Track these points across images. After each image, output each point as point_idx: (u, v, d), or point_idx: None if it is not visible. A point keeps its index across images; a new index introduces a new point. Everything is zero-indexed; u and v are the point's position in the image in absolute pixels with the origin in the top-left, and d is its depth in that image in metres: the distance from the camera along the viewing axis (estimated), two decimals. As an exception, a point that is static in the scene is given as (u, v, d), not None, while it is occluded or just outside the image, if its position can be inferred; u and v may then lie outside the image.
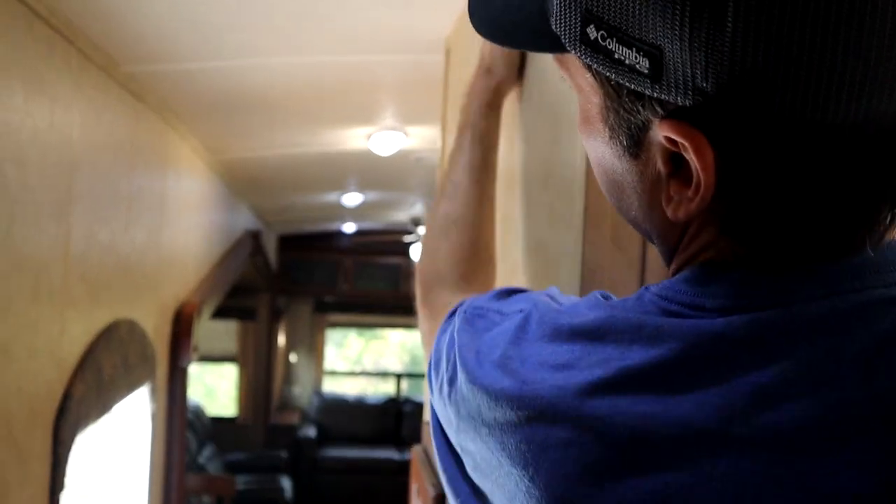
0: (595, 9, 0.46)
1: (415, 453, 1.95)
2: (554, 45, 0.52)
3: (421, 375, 10.26)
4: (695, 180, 0.47)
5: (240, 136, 3.62)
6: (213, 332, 7.09)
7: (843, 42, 0.40)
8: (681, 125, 0.45)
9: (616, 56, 0.46)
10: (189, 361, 3.34)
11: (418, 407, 8.22)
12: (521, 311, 0.61)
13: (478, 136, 1.06)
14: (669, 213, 0.50)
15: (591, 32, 0.47)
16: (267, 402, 7.79)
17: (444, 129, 2.25)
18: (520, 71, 1.23)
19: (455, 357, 0.63)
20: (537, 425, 0.50)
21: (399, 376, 9.55)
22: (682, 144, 0.46)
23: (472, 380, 0.58)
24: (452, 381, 0.62)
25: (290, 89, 2.78)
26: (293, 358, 8.87)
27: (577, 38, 0.49)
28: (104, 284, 2.40)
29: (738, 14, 0.40)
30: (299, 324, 8.79)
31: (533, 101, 1.23)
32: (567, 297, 0.66)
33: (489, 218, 1.03)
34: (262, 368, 7.67)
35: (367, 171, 4.57)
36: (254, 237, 5.52)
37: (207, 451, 6.37)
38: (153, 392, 2.99)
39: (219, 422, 7.42)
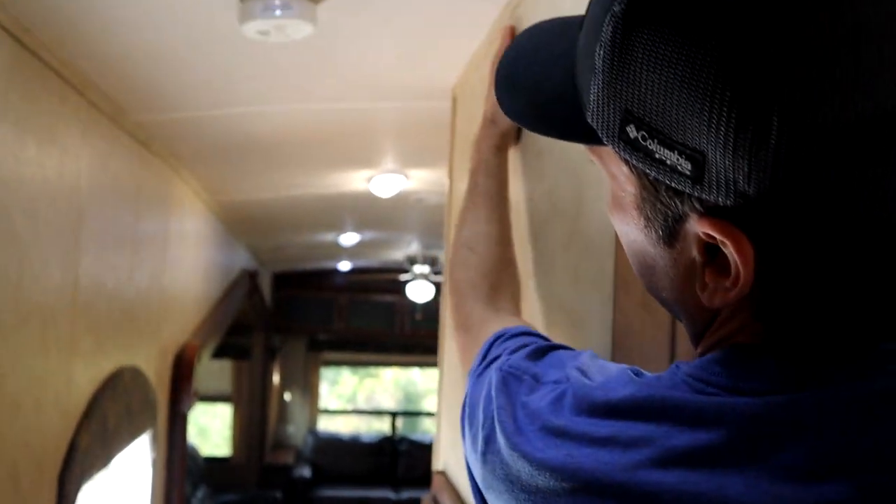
0: (636, 110, 0.47)
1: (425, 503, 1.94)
2: (587, 136, 0.54)
3: (415, 413, 10.19)
4: (733, 272, 0.48)
5: (241, 178, 3.63)
6: (208, 371, 7.03)
7: (883, 159, 0.42)
8: (722, 224, 0.47)
9: (657, 156, 0.47)
10: (190, 406, 3.31)
11: (414, 445, 8.15)
12: (556, 382, 0.62)
13: (491, 170, 1.16)
14: (704, 299, 0.51)
15: (632, 132, 0.48)
16: (261, 442, 7.71)
17: (451, 173, 2.26)
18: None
19: (493, 417, 0.64)
20: (583, 497, 0.51)
21: (394, 414, 9.48)
22: (722, 241, 0.47)
23: (513, 446, 0.59)
24: (489, 440, 0.63)
25: (294, 134, 2.80)
26: (287, 396, 8.80)
27: (616, 135, 0.50)
28: (109, 332, 2.38)
29: (783, 129, 0.42)
30: (293, 362, 8.74)
31: (554, 158, 1.24)
32: (601, 364, 0.66)
33: (510, 239, 1.11)
34: (257, 407, 7.60)
35: (365, 211, 4.58)
36: (251, 276, 5.50)
37: (201, 493, 6.28)
38: (154, 439, 2.96)
39: (212, 462, 7.33)
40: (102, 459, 2.27)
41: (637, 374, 0.60)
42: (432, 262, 6.59)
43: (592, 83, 0.50)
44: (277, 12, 1.49)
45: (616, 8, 0.47)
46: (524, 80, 0.65)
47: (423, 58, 2.00)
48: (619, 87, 0.48)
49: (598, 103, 0.50)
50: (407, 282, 6.81)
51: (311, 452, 8.06)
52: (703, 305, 0.52)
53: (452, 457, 2.00)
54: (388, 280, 7.46)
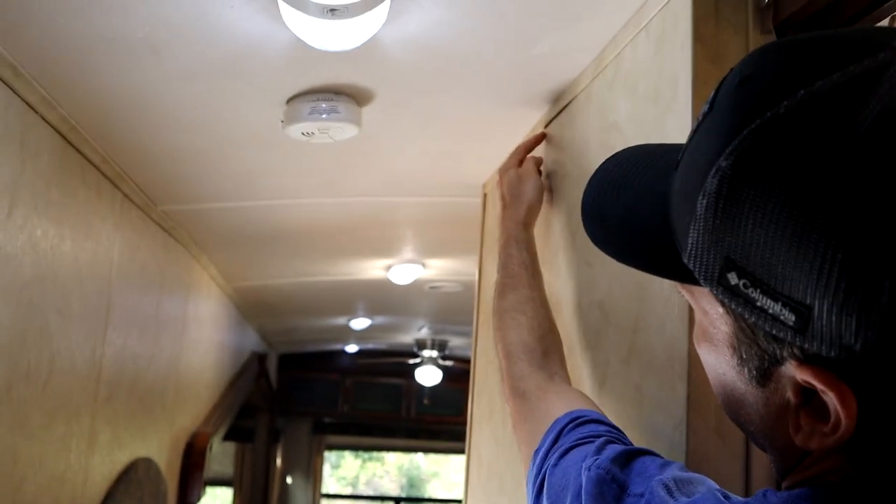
0: (738, 259, 0.47)
1: None
2: (680, 274, 0.53)
3: (419, 500, 9.96)
4: (832, 420, 0.47)
5: (259, 265, 3.63)
6: (211, 455, 6.89)
7: None
8: (825, 374, 0.46)
9: (758, 304, 0.46)
10: (199, 496, 3.23)
11: (417, 533, 7.93)
12: (639, 495, 0.62)
13: (521, 243, 1.22)
14: (798, 441, 0.50)
15: (733, 278, 0.47)
16: (261, 528, 7.50)
17: (480, 265, 2.26)
18: (543, 192, 1.39)
19: None
20: None
21: (397, 500, 9.25)
22: (823, 390, 0.46)
23: None
24: None
25: (318, 225, 2.81)
26: (289, 480, 8.61)
27: (716, 280, 0.49)
28: (126, 424, 2.34)
29: (895, 292, 0.42)
30: (297, 445, 8.57)
31: (606, 269, 1.23)
32: (689, 479, 0.64)
33: (548, 304, 1.15)
34: (258, 491, 7.42)
35: (379, 298, 4.57)
36: (260, 359, 5.45)
37: (199, 583, 6.08)
38: (163, 532, 2.87)
39: (211, 549, 7.11)
40: (115, 559, 2.19)
41: (726, 496, 0.58)
42: (441, 346, 6.54)
43: (692, 228, 0.50)
44: (324, 115, 1.50)
45: (724, 164, 0.47)
46: (612, 210, 0.65)
47: (457, 157, 2.02)
48: (721, 235, 0.48)
49: (697, 247, 0.50)
50: (415, 365, 6.75)
51: (311, 539, 7.83)
52: (794, 444, 0.51)
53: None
54: (395, 363, 7.38)
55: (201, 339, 3.51)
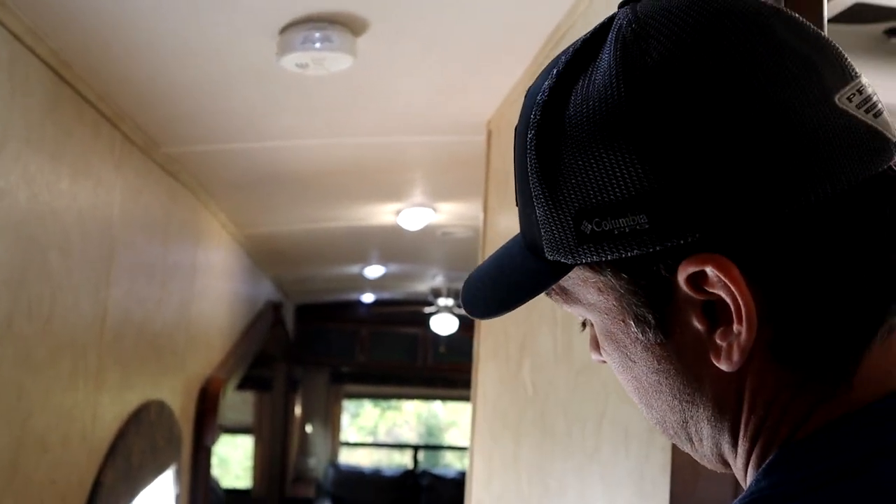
0: (581, 207, 0.48)
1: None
2: (549, 280, 0.53)
3: (437, 447, 10.10)
4: (732, 305, 0.45)
5: (269, 211, 3.62)
6: (229, 402, 6.99)
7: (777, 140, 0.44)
8: (696, 255, 0.45)
9: (616, 231, 0.47)
10: (214, 440, 3.27)
11: (435, 479, 8.05)
12: None
13: None
14: (724, 365, 0.47)
15: (587, 227, 0.48)
16: (282, 474, 7.64)
17: (485, 207, 2.23)
18: None
19: None
20: None
21: (416, 448, 9.37)
22: (703, 273, 0.45)
23: None
24: None
25: (324, 168, 2.78)
26: (309, 429, 8.74)
27: (576, 243, 0.49)
28: (136, 365, 2.36)
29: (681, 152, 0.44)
30: (315, 394, 8.68)
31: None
32: None
33: None
34: (278, 440, 7.54)
35: (391, 244, 4.56)
36: (275, 308, 5.48)
37: (221, 527, 6.22)
38: (178, 474, 2.91)
39: (233, 494, 7.26)
40: (127, 496, 2.23)
41: None
42: (456, 294, 6.55)
43: (537, 208, 0.51)
44: (318, 44, 1.47)
45: (530, 135, 0.50)
46: (486, 290, 0.62)
47: (459, 91, 1.98)
48: (557, 195, 0.49)
49: (547, 223, 0.50)
50: (431, 314, 6.77)
51: (332, 485, 7.97)
52: (724, 387, 0.49)
53: (486, 495, 1.95)
54: (411, 312, 7.40)
55: (212, 286, 3.52)
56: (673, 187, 0.45)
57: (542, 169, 0.50)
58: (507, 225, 1.93)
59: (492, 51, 1.70)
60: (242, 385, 6.76)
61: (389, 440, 10.49)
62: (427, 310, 6.79)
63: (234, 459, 8.97)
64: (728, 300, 0.45)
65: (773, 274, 0.46)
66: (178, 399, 2.93)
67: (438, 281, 6.28)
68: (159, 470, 2.58)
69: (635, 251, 0.47)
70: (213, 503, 6.26)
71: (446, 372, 8.10)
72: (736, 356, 0.47)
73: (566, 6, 1.44)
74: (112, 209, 2.06)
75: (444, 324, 6.75)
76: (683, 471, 0.90)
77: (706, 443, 0.52)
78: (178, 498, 2.94)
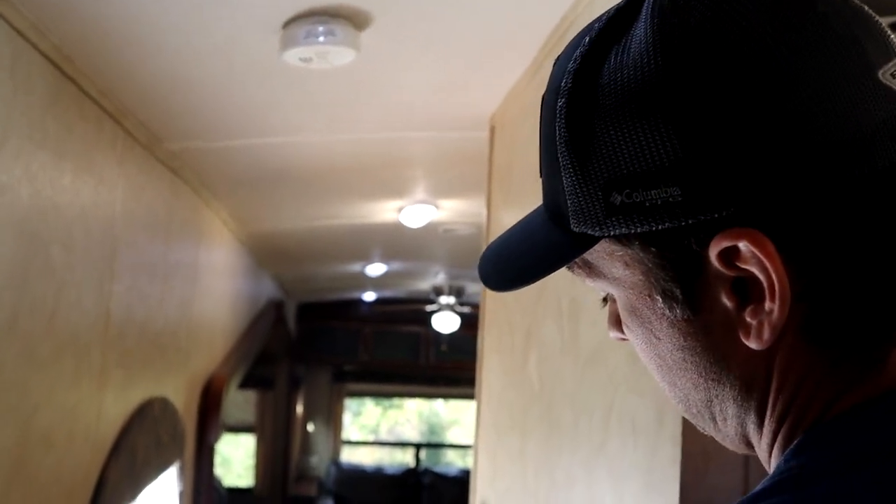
0: (611, 177, 0.47)
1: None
2: (573, 252, 0.52)
3: (439, 445, 10.10)
4: (766, 281, 0.44)
5: (270, 208, 3.62)
6: (231, 401, 6.99)
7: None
8: (728, 230, 0.44)
9: (647, 204, 0.46)
10: (217, 437, 3.27)
11: (437, 478, 8.04)
12: None
13: None
14: (753, 343, 0.46)
15: (616, 199, 0.47)
16: (284, 473, 7.64)
17: (489, 203, 2.23)
18: None
19: None
20: None
21: (418, 446, 9.37)
22: (736, 248, 0.44)
23: None
24: None
25: (327, 165, 2.78)
26: (311, 427, 8.74)
27: (604, 214, 0.48)
28: (139, 362, 2.35)
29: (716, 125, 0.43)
30: (317, 393, 8.67)
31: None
32: None
33: None
34: (280, 438, 7.54)
35: (393, 242, 4.56)
36: (277, 307, 5.48)
37: (224, 526, 6.21)
38: (181, 470, 2.91)
39: (235, 493, 7.26)
40: (131, 492, 2.23)
41: None
42: (458, 292, 6.55)
43: (564, 178, 0.50)
44: (321, 38, 1.46)
45: (564, 87, 0.49)
46: (504, 262, 0.61)
47: (462, 86, 1.97)
48: (587, 164, 0.48)
49: (575, 194, 0.49)
50: (433, 312, 6.77)
51: (334, 484, 7.97)
52: (753, 366, 0.48)
53: (491, 492, 1.94)
54: (413, 311, 7.40)
55: (214, 284, 3.52)
56: (709, 159, 0.44)
57: (572, 138, 0.49)
58: (511, 221, 1.93)
59: (495, 46, 1.70)
60: (245, 384, 6.76)
61: (391, 439, 10.49)
62: (429, 308, 6.79)
63: (236, 458, 8.97)
64: (761, 277, 0.44)
65: (809, 251, 0.45)
66: (182, 396, 2.92)
67: (440, 279, 6.27)
68: (163, 466, 2.58)
69: (666, 224, 0.46)
70: (216, 502, 6.25)
71: (448, 370, 8.09)
72: (766, 334, 0.45)
73: (569, 1, 1.44)
74: (114, 206, 2.05)
75: (445, 322, 6.74)
76: (693, 460, 0.89)
77: (731, 423, 0.51)
78: (181, 495, 2.94)
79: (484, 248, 2.03)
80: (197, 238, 3.10)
